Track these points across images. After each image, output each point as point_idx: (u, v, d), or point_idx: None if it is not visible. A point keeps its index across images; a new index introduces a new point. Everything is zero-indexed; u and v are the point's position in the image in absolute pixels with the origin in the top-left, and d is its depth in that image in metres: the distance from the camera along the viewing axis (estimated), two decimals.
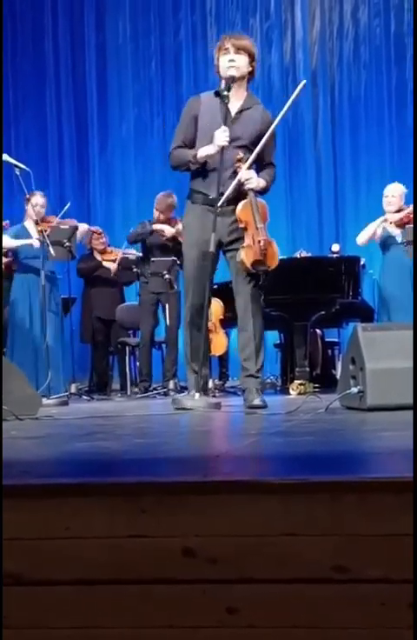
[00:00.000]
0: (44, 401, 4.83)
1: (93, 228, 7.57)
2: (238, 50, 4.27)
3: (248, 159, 4.21)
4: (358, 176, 9.74)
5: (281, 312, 6.20)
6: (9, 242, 6.51)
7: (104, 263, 7.71)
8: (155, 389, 6.92)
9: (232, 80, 4.21)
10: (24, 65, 10.28)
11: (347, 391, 3.62)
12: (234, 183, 4.19)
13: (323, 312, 6.22)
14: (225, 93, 4.19)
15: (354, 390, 3.55)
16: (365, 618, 1.41)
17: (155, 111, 10.05)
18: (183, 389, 5.28)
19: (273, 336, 8.42)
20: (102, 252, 7.75)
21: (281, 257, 6.65)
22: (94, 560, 1.48)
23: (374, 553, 1.43)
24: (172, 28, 10.08)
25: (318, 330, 7.44)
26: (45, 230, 6.09)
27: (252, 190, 4.22)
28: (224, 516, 1.46)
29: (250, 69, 4.34)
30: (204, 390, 4.39)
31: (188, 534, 1.46)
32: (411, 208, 6.58)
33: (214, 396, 4.41)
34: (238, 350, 4.37)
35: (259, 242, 4.20)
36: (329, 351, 7.93)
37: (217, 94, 4.29)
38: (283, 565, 1.43)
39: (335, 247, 7.53)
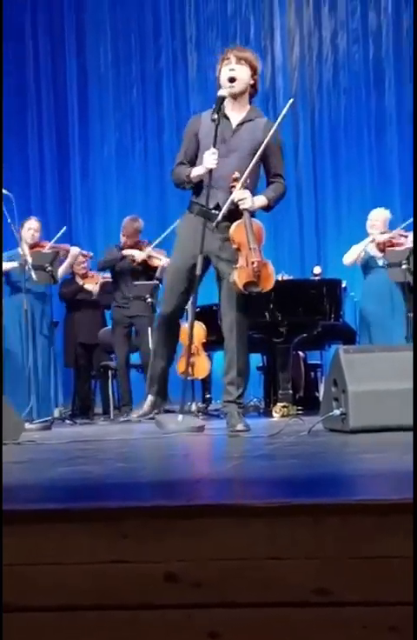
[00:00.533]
0: (27, 425, 4.80)
1: (84, 252, 7.58)
2: (240, 60, 4.23)
3: (244, 178, 4.14)
4: (339, 199, 9.82)
5: (264, 335, 6.21)
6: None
7: (85, 287, 7.71)
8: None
9: (222, 100, 4.18)
10: (6, 90, 10.29)
11: (330, 414, 3.62)
12: (228, 202, 4.14)
13: (305, 334, 6.25)
14: (215, 116, 4.15)
15: (337, 412, 3.56)
16: None
17: (137, 135, 10.09)
18: (166, 411, 5.27)
19: (255, 359, 8.42)
20: (84, 276, 7.76)
21: None
22: (77, 586, 1.47)
23: (357, 576, 1.43)
24: (153, 53, 10.15)
25: (300, 353, 7.47)
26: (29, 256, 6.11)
27: (246, 210, 4.16)
28: (207, 541, 1.46)
29: (252, 82, 4.29)
30: (162, 398, 4.40)
31: (171, 559, 1.45)
32: (396, 232, 6.65)
33: (197, 419, 4.40)
34: (222, 372, 4.36)
35: (252, 263, 4.13)
36: (312, 374, 7.95)
37: (213, 110, 4.24)
38: (266, 589, 1.43)
39: (317, 269, 7.58)
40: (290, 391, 6.07)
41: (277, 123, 4.32)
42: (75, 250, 7.05)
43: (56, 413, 6.41)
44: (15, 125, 10.22)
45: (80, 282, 7.74)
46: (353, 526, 1.43)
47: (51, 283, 6.43)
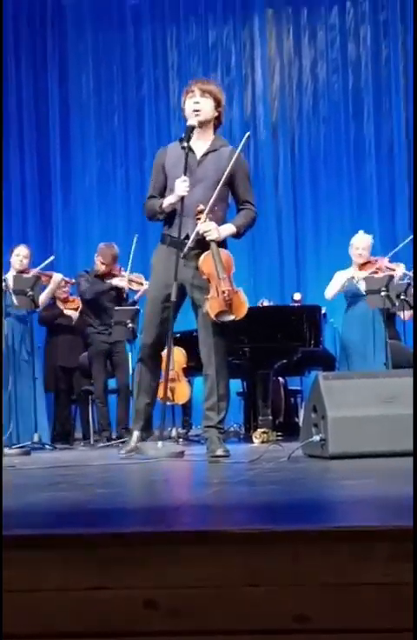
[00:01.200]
0: (6, 451, 4.77)
1: (66, 279, 7.57)
2: (204, 93, 4.30)
3: (208, 209, 4.20)
4: (318, 226, 9.89)
5: (244, 361, 6.22)
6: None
7: (65, 311, 7.71)
8: (118, 437, 6.88)
9: (191, 129, 4.25)
10: None
11: (310, 440, 3.63)
12: (193, 235, 4.21)
13: (285, 360, 6.26)
14: (184, 144, 4.22)
15: (316, 438, 3.57)
16: None
17: (118, 163, 10.12)
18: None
19: (235, 385, 8.42)
20: (64, 301, 7.75)
21: None
22: (55, 613, 1.46)
23: (337, 603, 1.43)
24: (134, 82, 10.21)
25: (280, 379, 7.48)
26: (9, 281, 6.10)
27: (213, 241, 4.22)
28: (186, 567, 1.45)
29: (216, 114, 4.37)
30: (146, 431, 4.40)
31: (151, 585, 1.45)
32: (379, 260, 6.68)
33: (177, 444, 4.41)
34: (203, 397, 4.36)
35: (223, 292, 4.20)
36: (292, 399, 7.96)
37: (180, 140, 4.33)
38: (246, 616, 1.43)
39: (297, 296, 7.61)
40: (270, 417, 6.08)
41: (237, 151, 4.37)
42: (57, 277, 7.04)
43: (36, 438, 6.36)
44: None
45: (61, 306, 7.73)
46: (332, 553, 1.44)
47: (32, 309, 6.41)
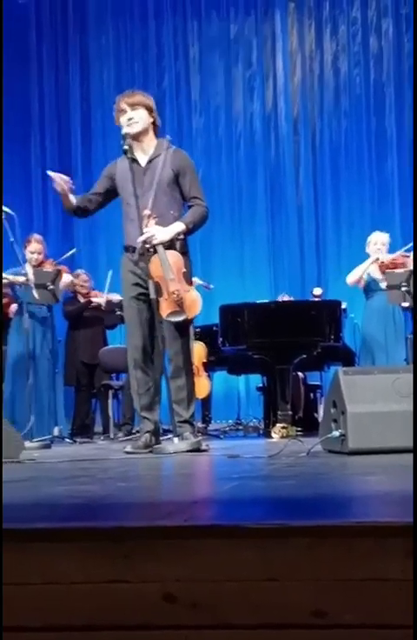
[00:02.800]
0: (27, 444, 4.80)
1: (76, 280, 7.59)
2: (133, 106, 4.44)
3: (147, 214, 4.33)
4: (339, 221, 9.86)
5: (264, 356, 6.22)
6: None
7: (95, 300, 7.70)
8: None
9: (129, 136, 4.38)
10: (10, 113, 10.35)
11: (329, 435, 3.62)
12: (139, 241, 4.33)
13: (305, 356, 6.25)
14: (125, 148, 4.35)
15: (336, 433, 3.56)
16: None
17: None
18: (165, 431, 5.29)
19: (255, 380, 8.43)
20: (86, 296, 7.77)
21: (262, 301, 6.76)
22: (73, 606, 1.47)
23: (355, 598, 1.43)
24: (156, 76, 10.22)
25: (300, 374, 7.47)
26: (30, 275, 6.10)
27: (159, 244, 4.33)
28: (205, 562, 1.46)
29: (151, 119, 4.51)
30: (156, 437, 4.45)
31: (169, 579, 1.45)
32: (399, 253, 6.65)
33: (197, 439, 4.42)
34: (171, 396, 4.43)
35: (173, 293, 4.33)
36: (311, 394, 7.94)
37: (124, 153, 4.43)
38: (263, 610, 1.43)
39: (317, 291, 7.59)
40: (289, 412, 6.07)
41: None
42: (68, 278, 7.00)
43: (56, 431, 6.40)
44: (18, 148, 10.27)
45: (82, 300, 7.74)
46: (351, 548, 1.44)
47: (53, 303, 6.43)
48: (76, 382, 7.78)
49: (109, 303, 7.60)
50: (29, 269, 6.44)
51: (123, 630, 1.45)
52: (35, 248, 6.57)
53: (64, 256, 6.77)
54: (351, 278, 6.75)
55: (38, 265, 6.47)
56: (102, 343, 7.80)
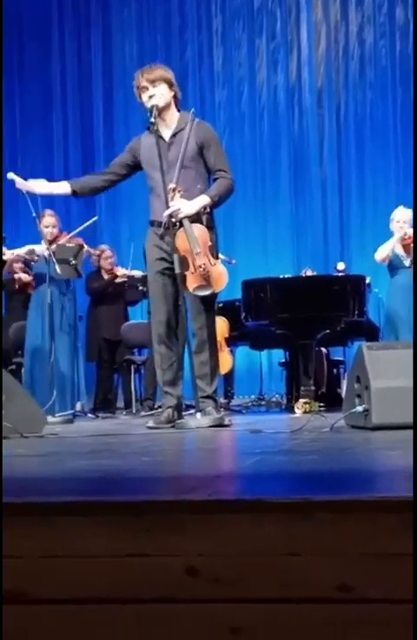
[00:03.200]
0: (49, 419, 4.83)
1: (97, 253, 7.58)
2: (153, 82, 4.41)
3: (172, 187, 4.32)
4: (363, 194, 9.77)
5: (286, 331, 6.20)
6: (15, 251, 6.56)
7: (121, 272, 7.69)
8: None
9: (156, 108, 4.36)
10: (31, 86, 10.36)
11: (353, 410, 3.61)
12: (165, 215, 4.32)
13: (328, 331, 6.22)
14: (152, 120, 4.33)
15: (359, 408, 3.54)
16: (369, 639, 1.40)
17: None
18: (188, 407, 5.29)
19: (278, 355, 8.42)
20: (109, 272, 7.76)
21: (285, 276, 6.72)
22: (96, 579, 1.48)
23: (380, 573, 1.42)
24: (178, 48, 10.15)
25: (323, 349, 7.44)
26: (52, 250, 6.08)
27: (184, 218, 4.31)
28: (228, 536, 1.45)
29: (172, 93, 4.48)
30: (178, 412, 4.45)
31: (192, 553, 1.45)
32: None
33: (220, 414, 4.42)
34: (193, 372, 4.43)
35: (199, 267, 4.31)
36: (334, 370, 7.92)
37: (148, 128, 4.43)
38: (287, 585, 1.42)
39: (341, 265, 7.53)
40: (312, 388, 6.05)
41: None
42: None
43: (78, 407, 6.43)
44: (40, 123, 10.28)
45: (106, 276, 7.74)
46: (375, 523, 1.42)
47: (75, 277, 6.44)
48: (98, 357, 7.80)
49: (131, 278, 7.60)
50: (44, 244, 6.43)
51: (145, 603, 1.45)
52: (48, 221, 6.55)
53: (84, 226, 6.72)
54: (379, 255, 6.67)
55: (53, 240, 6.45)
56: (124, 319, 7.81)
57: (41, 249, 6.42)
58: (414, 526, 1.40)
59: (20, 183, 4.61)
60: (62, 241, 6.41)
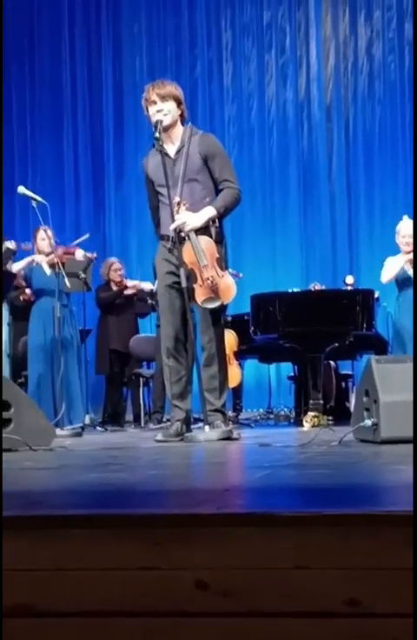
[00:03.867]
0: (58, 432, 4.84)
1: (88, 254, 7.55)
2: (163, 98, 4.42)
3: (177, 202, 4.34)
4: (372, 209, 9.77)
5: (295, 344, 6.19)
6: (16, 265, 6.59)
7: (127, 292, 7.70)
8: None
9: (161, 124, 4.37)
10: (42, 99, 10.42)
11: (361, 424, 3.60)
12: (172, 228, 4.34)
13: (337, 344, 6.21)
14: (156, 135, 4.35)
15: (368, 422, 3.54)
16: None
17: None
18: (196, 420, 5.30)
19: (286, 369, 8.41)
20: (118, 283, 7.78)
21: (294, 290, 6.73)
22: (106, 592, 1.48)
23: (388, 587, 1.42)
24: (188, 62, 10.19)
25: (332, 363, 7.43)
26: (62, 263, 6.10)
27: (191, 231, 4.33)
28: (237, 549, 1.46)
29: (180, 112, 4.49)
30: (187, 426, 4.46)
31: (201, 566, 1.45)
32: None
33: (228, 428, 4.42)
34: (202, 385, 4.43)
35: (207, 279, 4.33)
36: (343, 384, 7.90)
37: (153, 145, 4.45)
38: (295, 599, 1.43)
39: (349, 279, 7.52)
40: (321, 401, 6.04)
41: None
42: (80, 252, 6.96)
43: (87, 420, 6.44)
44: (50, 135, 10.33)
45: (115, 287, 7.74)
46: (384, 537, 1.42)
47: (84, 291, 6.46)
48: (109, 370, 7.80)
49: (140, 291, 7.62)
50: (39, 257, 6.47)
51: (155, 616, 1.46)
52: (42, 235, 6.54)
53: (77, 242, 6.73)
54: (385, 277, 6.62)
55: (49, 253, 6.44)
56: (134, 332, 7.81)
57: (39, 258, 6.47)
58: (414, 538, 1.40)
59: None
60: (59, 253, 6.39)
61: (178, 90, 4.53)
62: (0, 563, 1.48)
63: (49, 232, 6.42)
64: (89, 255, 6.95)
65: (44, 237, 6.47)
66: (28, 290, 7.16)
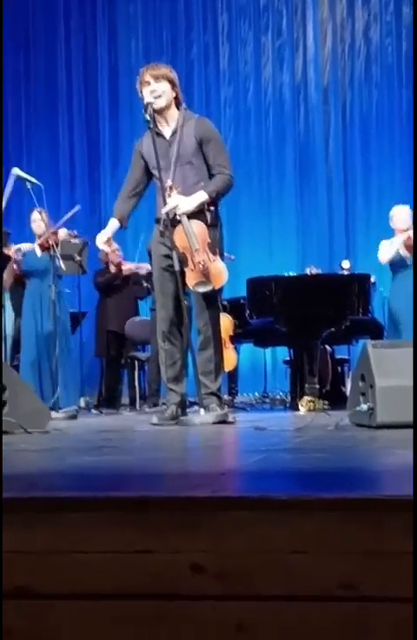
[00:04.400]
0: (53, 415, 4.83)
1: (71, 232, 7.46)
2: (157, 78, 4.42)
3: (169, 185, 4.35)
4: (369, 193, 9.75)
5: (291, 328, 6.19)
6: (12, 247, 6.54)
7: (124, 273, 7.67)
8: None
9: (151, 106, 4.38)
10: (37, 84, 10.36)
11: (357, 408, 3.60)
12: (163, 212, 4.34)
13: (333, 329, 6.21)
14: (147, 117, 4.36)
15: (364, 406, 3.54)
16: (373, 638, 1.40)
17: None
18: (192, 403, 5.29)
19: (282, 353, 8.41)
20: (117, 265, 7.74)
21: (290, 274, 6.72)
22: (100, 574, 1.48)
23: (384, 571, 1.42)
24: (184, 46, 10.14)
25: (328, 347, 7.43)
26: (56, 244, 6.05)
27: (182, 214, 4.33)
28: (233, 532, 1.45)
29: (174, 94, 4.48)
30: (182, 409, 4.46)
31: (197, 550, 1.45)
32: None
33: (224, 411, 4.42)
34: (197, 368, 4.43)
35: (198, 263, 4.33)
36: (339, 368, 7.90)
37: (146, 122, 4.43)
38: (292, 582, 1.42)
39: (346, 264, 7.51)
40: (317, 386, 6.04)
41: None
42: (64, 231, 6.88)
43: (82, 402, 6.43)
44: (45, 120, 10.28)
45: (113, 270, 7.70)
46: (379, 521, 1.42)
47: (79, 273, 6.43)
48: (106, 352, 7.79)
49: (135, 274, 7.59)
50: (27, 246, 6.41)
51: (150, 599, 1.46)
52: (34, 217, 6.49)
53: (67, 216, 6.66)
54: (384, 257, 6.62)
55: (41, 234, 6.38)
56: (133, 314, 7.78)
57: (26, 246, 6.42)
58: (414, 525, 1.40)
59: (103, 235, 4.66)
60: (48, 232, 6.33)
61: (172, 72, 4.52)
62: (0, 549, 1.48)
63: (44, 215, 6.38)
64: (71, 233, 6.85)
65: (35, 219, 6.44)
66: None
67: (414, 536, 1.39)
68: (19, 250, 6.50)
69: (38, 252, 6.37)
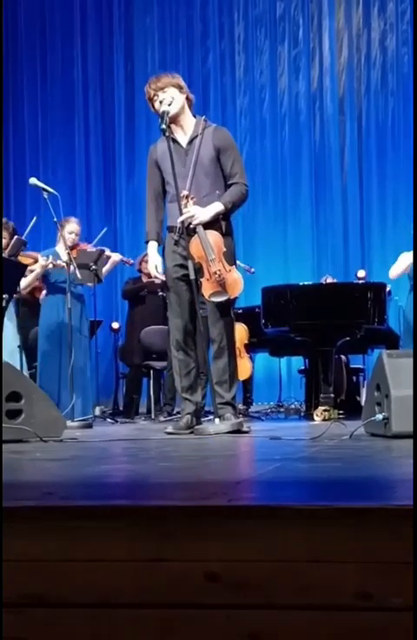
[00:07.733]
0: (68, 423, 4.84)
1: (125, 258, 7.54)
2: (162, 89, 4.40)
3: (186, 194, 4.31)
4: (384, 202, 9.73)
5: (306, 338, 6.18)
6: (39, 262, 6.50)
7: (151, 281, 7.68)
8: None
9: (167, 115, 4.33)
10: (53, 92, 10.42)
11: (372, 418, 3.59)
12: (179, 221, 4.32)
13: (348, 338, 6.19)
14: (163, 127, 4.31)
15: (379, 416, 3.52)
16: None
17: None
18: (206, 413, 5.29)
19: (297, 362, 8.39)
20: (148, 275, 7.72)
21: (306, 283, 6.71)
22: (116, 583, 1.48)
23: (399, 581, 1.41)
24: (200, 55, 10.17)
25: (343, 357, 7.41)
26: (73, 255, 6.08)
27: (198, 225, 4.31)
28: (248, 541, 1.45)
29: (184, 96, 4.46)
30: (197, 418, 4.45)
31: (212, 559, 1.45)
32: None
33: (238, 420, 4.41)
34: (212, 378, 4.41)
35: (215, 273, 4.33)
36: (354, 378, 7.88)
37: (163, 134, 4.39)
38: (307, 591, 1.42)
39: (361, 273, 7.50)
40: (332, 395, 6.02)
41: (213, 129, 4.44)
42: (117, 256, 7.04)
43: (97, 411, 6.44)
44: (61, 129, 10.34)
45: (145, 279, 7.68)
46: (395, 531, 1.42)
47: (95, 283, 6.45)
48: (131, 361, 7.79)
49: (152, 283, 7.58)
50: (61, 248, 6.36)
51: (166, 608, 1.45)
52: (73, 228, 6.53)
53: (97, 239, 6.76)
54: (393, 273, 6.58)
55: (73, 247, 6.41)
56: (160, 323, 7.74)
57: (56, 261, 6.39)
58: (414, 531, 1.39)
59: (153, 263, 4.60)
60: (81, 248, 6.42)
61: (175, 77, 4.49)
62: (0, 555, 1.48)
63: (78, 228, 6.44)
64: (126, 260, 7.02)
65: (72, 231, 6.47)
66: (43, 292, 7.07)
67: (414, 542, 1.39)
68: (53, 262, 6.43)
69: (60, 263, 6.38)
